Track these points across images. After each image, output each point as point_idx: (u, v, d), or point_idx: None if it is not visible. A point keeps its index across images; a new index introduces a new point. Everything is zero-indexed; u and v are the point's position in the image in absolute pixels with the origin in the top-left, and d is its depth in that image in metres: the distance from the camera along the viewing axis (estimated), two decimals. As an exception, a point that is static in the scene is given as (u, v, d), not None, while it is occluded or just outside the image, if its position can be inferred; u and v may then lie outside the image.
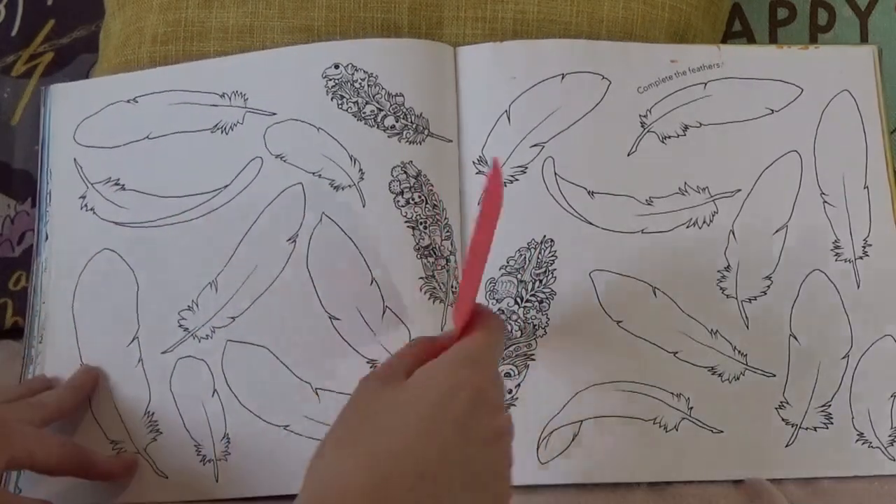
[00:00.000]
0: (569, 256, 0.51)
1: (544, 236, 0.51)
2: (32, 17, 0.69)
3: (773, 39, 0.67)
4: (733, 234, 0.52)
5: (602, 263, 0.51)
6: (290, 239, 0.51)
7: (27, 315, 0.54)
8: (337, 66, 0.54)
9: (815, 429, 0.50)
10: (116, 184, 0.54)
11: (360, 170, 0.52)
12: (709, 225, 0.52)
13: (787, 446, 0.49)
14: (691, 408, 0.50)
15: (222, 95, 0.55)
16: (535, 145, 0.53)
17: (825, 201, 0.53)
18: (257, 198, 0.52)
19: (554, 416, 0.49)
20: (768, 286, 0.51)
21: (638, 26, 0.58)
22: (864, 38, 0.65)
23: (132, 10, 0.61)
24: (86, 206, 0.54)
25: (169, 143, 0.55)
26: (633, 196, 0.52)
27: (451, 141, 0.53)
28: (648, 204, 0.52)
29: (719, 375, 0.50)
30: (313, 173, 0.52)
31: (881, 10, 0.65)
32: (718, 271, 0.51)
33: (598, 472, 0.49)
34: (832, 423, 0.50)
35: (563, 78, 0.54)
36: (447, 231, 0.52)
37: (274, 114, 0.54)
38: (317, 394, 0.49)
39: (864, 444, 0.50)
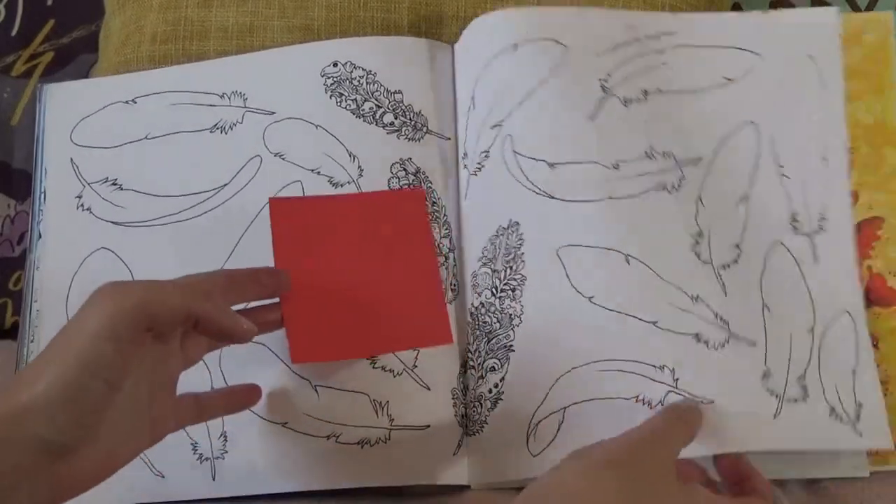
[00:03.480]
0: (535, 237, 0.49)
1: (510, 220, 0.50)
2: (32, 17, 0.70)
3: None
4: (700, 201, 0.49)
5: (569, 238, 0.48)
6: (288, 237, 0.51)
7: (21, 314, 0.54)
8: (335, 64, 0.54)
9: (795, 400, 0.46)
10: (114, 184, 0.54)
11: (360, 167, 0.52)
12: (678, 190, 0.49)
13: (775, 417, 0.46)
14: (677, 379, 0.46)
15: (222, 96, 0.55)
16: (494, 126, 0.51)
17: (782, 174, 0.50)
18: (257, 196, 0.52)
19: (539, 405, 0.47)
20: (738, 255, 0.49)
21: (638, 25, 0.58)
22: (864, 38, 0.65)
23: (132, 9, 0.61)
24: (82, 205, 0.54)
25: (168, 143, 0.55)
26: (597, 162, 0.49)
27: (449, 138, 0.53)
28: (615, 168, 0.49)
29: (705, 343, 0.46)
30: (312, 170, 0.52)
31: (881, 10, 0.65)
32: (691, 236, 0.49)
33: None
34: (808, 396, 0.46)
35: (516, 48, 0.52)
36: (446, 228, 0.52)
37: (273, 113, 0.54)
38: (316, 391, 0.48)
39: (836, 418, 0.46)
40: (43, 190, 0.55)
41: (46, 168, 0.56)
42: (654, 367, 0.46)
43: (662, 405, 0.45)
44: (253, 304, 0.45)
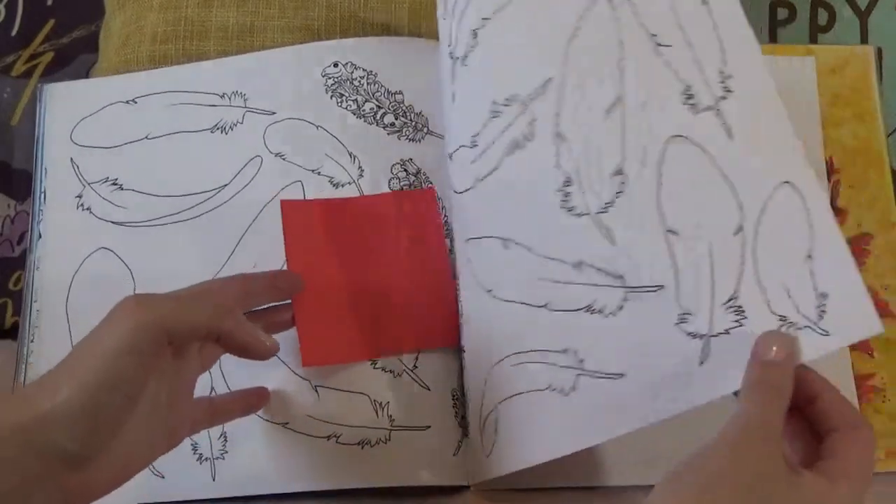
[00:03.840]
0: (454, 233, 0.49)
1: (444, 219, 0.51)
2: (32, 17, 0.70)
3: (772, 39, 0.67)
4: (560, 136, 0.42)
5: (467, 231, 0.47)
6: (289, 237, 0.51)
7: (21, 314, 0.54)
8: (336, 65, 0.54)
9: (727, 332, 0.38)
10: (114, 184, 0.54)
11: (360, 167, 0.52)
12: (532, 139, 0.43)
13: (701, 364, 0.39)
14: (581, 360, 0.42)
15: (222, 96, 0.55)
16: None
17: (658, 43, 0.41)
18: (257, 196, 0.52)
19: (481, 405, 0.46)
20: (622, 182, 0.41)
21: (638, 26, 0.57)
22: (864, 38, 0.65)
23: (132, 9, 0.61)
24: (82, 205, 0.54)
25: (168, 143, 0.55)
26: (463, 144, 0.46)
27: (450, 139, 0.53)
28: (473, 146, 0.46)
29: (600, 312, 0.41)
30: (313, 171, 0.52)
31: (881, 10, 0.65)
32: (558, 190, 0.42)
33: (526, 456, 0.43)
34: (746, 318, 0.38)
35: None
36: (446, 228, 0.52)
37: (273, 113, 0.54)
38: (316, 391, 0.48)
39: (789, 327, 0.37)
40: (43, 190, 0.55)
41: (46, 168, 0.56)
42: (558, 352, 0.42)
43: (576, 390, 0.41)
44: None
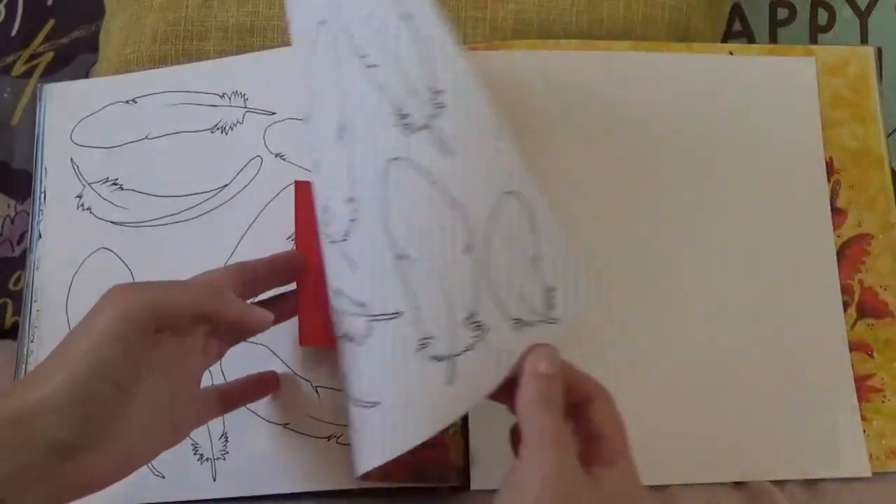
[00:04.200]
0: None
1: None
2: (32, 17, 0.70)
3: (772, 39, 0.67)
4: (317, 166, 0.44)
5: None
6: (290, 237, 0.51)
7: (21, 314, 0.54)
8: (336, 65, 0.54)
9: (470, 348, 0.38)
10: (114, 184, 0.54)
11: (360, 168, 0.52)
12: (311, 171, 0.45)
13: (449, 384, 0.38)
14: (348, 387, 0.42)
15: (222, 96, 0.55)
16: None
17: (367, 65, 0.39)
18: (257, 196, 0.52)
19: None
20: (355, 209, 0.40)
21: (638, 26, 0.58)
22: (864, 38, 0.66)
23: (132, 9, 0.61)
24: (82, 205, 0.54)
25: (168, 143, 0.55)
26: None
27: (450, 140, 0.53)
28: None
29: (352, 340, 0.41)
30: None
31: (881, 10, 0.66)
32: (321, 220, 0.43)
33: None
34: (487, 330, 0.38)
35: None
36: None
37: (274, 113, 0.54)
38: (316, 392, 0.48)
39: (523, 327, 0.38)
40: (43, 190, 0.55)
41: (46, 168, 0.56)
42: (343, 378, 0.43)
43: (349, 416, 0.42)
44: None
